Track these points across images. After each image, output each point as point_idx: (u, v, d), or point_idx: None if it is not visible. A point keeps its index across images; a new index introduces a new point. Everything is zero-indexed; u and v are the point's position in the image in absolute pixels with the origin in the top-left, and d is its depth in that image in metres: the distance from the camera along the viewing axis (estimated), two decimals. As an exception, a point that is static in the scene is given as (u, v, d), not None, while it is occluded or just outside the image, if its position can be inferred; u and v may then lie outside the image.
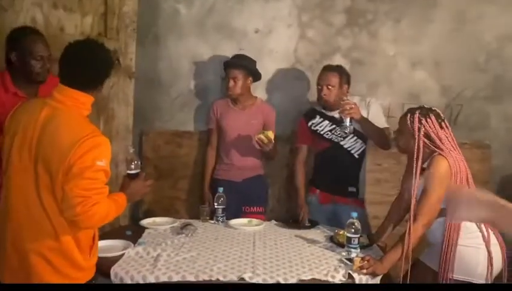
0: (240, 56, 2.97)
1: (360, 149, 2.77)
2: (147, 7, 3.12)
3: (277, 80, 3.24)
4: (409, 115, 2.11)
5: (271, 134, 2.73)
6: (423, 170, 2.05)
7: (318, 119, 2.84)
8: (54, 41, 2.87)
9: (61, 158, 1.54)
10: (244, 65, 2.90)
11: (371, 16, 3.19)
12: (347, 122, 2.50)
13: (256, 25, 3.22)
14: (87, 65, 1.66)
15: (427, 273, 2.05)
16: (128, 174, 1.94)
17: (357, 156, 2.77)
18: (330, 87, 2.71)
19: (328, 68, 2.78)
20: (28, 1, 2.67)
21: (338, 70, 2.76)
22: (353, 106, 2.49)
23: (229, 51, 3.11)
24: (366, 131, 2.67)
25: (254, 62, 2.96)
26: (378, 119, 2.72)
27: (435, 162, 2.00)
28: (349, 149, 2.75)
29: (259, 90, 3.18)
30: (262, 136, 2.71)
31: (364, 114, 2.62)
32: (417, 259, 2.12)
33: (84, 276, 1.69)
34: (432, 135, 2.04)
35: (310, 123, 2.86)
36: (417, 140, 2.04)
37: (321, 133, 2.81)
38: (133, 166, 1.95)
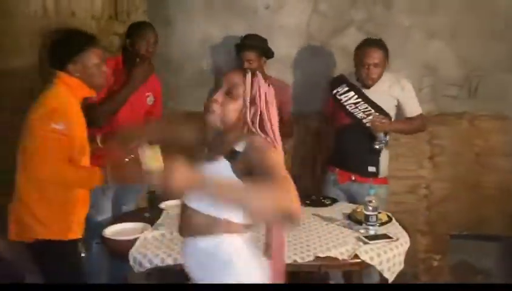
0: (251, 37, 2.90)
1: None
2: (156, -12, 3.09)
3: (291, 57, 3.19)
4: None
5: None
6: None
7: (344, 87, 2.73)
8: (66, 26, 2.86)
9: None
10: (257, 46, 2.85)
11: (385, -14, 3.09)
12: (382, 136, 2.56)
13: (267, 1, 3.16)
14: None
15: None
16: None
17: None
18: (377, 66, 2.58)
19: (372, 44, 2.61)
20: (38, -14, 2.66)
21: (382, 45, 2.61)
22: (383, 121, 2.54)
23: (239, 29, 3.06)
24: (399, 132, 2.74)
25: (265, 40, 2.91)
26: (412, 107, 2.67)
27: None
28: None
29: (272, 68, 3.14)
30: None
31: (400, 96, 2.65)
32: None
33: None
34: None
35: (335, 91, 2.76)
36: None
37: (344, 104, 2.70)
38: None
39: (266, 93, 1.42)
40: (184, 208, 1.47)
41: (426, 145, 3.15)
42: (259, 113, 1.40)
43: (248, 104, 1.40)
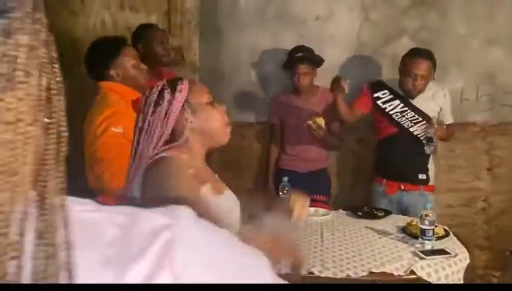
0: (305, 49, 2.90)
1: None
2: (207, 1, 3.15)
3: (340, 67, 3.16)
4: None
5: (321, 121, 2.71)
6: None
7: (387, 95, 2.68)
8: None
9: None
10: (312, 58, 2.86)
11: (439, -7, 3.01)
12: (435, 141, 2.53)
13: (317, 11, 3.15)
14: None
15: None
16: None
17: None
18: (423, 77, 2.51)
19: (419, 54, 2.54)
20: (97, 4, 2.78)
21: (430, 56, 2.54)
22: (436, 127, 2.56)
23: (289, 39, 3.07)
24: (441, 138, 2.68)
25: (313, 51, 2.91)
26: (449, 114, 2.71)
27: None
28: (419, 136, 2.61)
29: (322, 78, 3.12)
30: (310, 122, 2.72)
31: (442, 103, 2.66)
32: None
33: None
34: None
35: (376, 96, 2.71)
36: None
37: (390, 113, 2.65)
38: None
39: None
40: None
41: (484, 156, 3.03)
42: None
43: None
